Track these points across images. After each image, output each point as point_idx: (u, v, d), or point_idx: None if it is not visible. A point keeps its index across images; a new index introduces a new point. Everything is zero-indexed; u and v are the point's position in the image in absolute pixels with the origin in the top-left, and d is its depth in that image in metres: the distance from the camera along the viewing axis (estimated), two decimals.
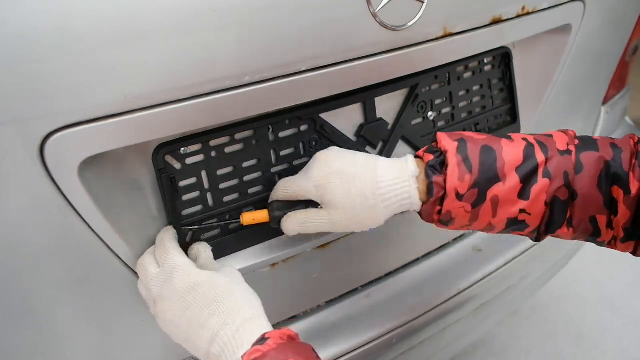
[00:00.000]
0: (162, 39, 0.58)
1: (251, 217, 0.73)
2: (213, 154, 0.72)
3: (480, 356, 1.77)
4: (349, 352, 0.87)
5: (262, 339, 0.57)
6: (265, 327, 0.60)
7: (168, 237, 0.68)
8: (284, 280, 0.84)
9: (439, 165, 0.68)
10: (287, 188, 0.72)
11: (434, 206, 0.68)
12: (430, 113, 0.92)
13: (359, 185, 0.68)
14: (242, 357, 0.56)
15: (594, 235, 0.69)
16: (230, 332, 0.58)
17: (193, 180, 0.72)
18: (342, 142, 0.83)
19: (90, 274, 0.66)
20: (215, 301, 0.61)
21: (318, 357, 0.58)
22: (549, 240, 0.74)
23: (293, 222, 0.72)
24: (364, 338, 0.88)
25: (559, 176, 0.66)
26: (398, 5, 0.72)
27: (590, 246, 0.81)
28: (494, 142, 0.69)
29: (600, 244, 0.71)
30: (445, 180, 0.67)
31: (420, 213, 0.71)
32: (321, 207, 0.71)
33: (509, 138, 0.70)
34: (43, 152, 0.56)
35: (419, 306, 0.94)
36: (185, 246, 0.72)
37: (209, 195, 0.74)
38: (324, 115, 0.80)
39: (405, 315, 0.93)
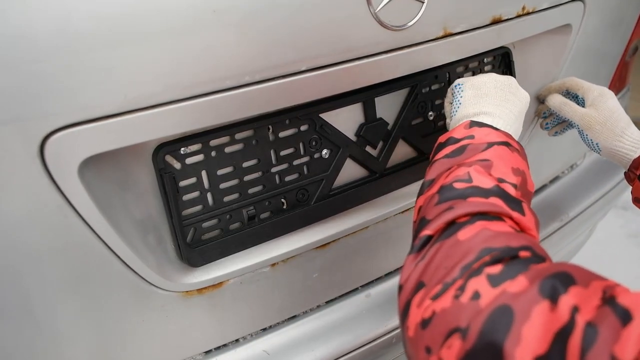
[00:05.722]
0: (162, 39, 0.58)
1: None
2: (213, 153, 0.72)
3: None
4: (349, 352, 0.87)
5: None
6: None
7: None
8: (284, 280, 0.84)
9: None
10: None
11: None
12: (430, 113, 0.92)
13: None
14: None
15: None
16: None
17: (193, 180, 0.72)
18: (342, 142, 0.83)
19: (90, 274, 0.66)
20: None
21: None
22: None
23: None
24: (364, 338, 0.88)
25: None
26: (398, 5, 0.72)
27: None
28: None
29: None
30: None
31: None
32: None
33: None
34: (43, 152, 0.56)
35: None
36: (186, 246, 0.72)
37: (209, 195, 0.74)
38: (324, 115, 0.80)
39: None
